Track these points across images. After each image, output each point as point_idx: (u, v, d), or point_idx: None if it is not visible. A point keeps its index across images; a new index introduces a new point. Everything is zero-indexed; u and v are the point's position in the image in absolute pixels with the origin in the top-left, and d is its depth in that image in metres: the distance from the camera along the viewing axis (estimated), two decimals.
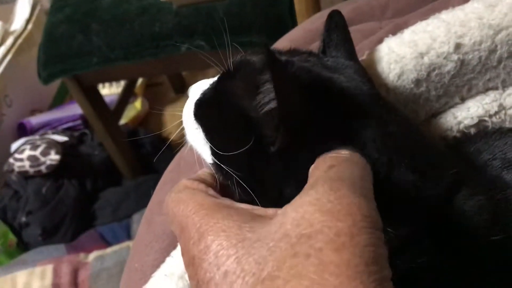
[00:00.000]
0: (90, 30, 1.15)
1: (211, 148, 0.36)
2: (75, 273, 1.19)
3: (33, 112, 1.75)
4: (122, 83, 1.69)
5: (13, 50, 1.69)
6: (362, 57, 0.48)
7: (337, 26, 0.44)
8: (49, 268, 1.19)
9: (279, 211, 0.28)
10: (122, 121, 1.68)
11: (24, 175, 1.44)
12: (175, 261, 0.43)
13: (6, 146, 1.54)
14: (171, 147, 0.53)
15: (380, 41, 0.48)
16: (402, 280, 0.30)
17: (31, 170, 1.42)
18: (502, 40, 0.44)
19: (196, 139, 0.38)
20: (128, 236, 1.36)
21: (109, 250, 1.26)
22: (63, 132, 1.59)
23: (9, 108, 1.66)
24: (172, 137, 0.44)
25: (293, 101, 0.32)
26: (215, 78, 0.39)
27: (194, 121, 0.38)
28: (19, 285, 1.15)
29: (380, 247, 0.25)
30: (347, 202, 0.26)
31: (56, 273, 1.18)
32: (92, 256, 1.24)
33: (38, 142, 1.45)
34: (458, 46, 0.44)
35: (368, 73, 0.43)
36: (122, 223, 1.40)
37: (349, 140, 0.33)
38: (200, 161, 0.39)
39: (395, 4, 0.60)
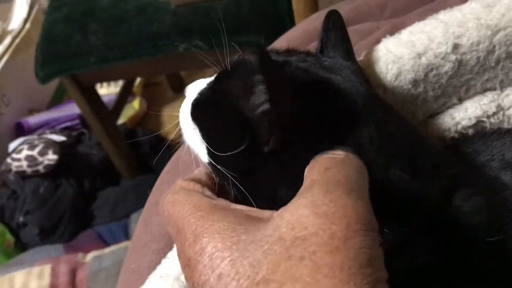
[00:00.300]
0: (88, 29, 1.15)
1: (207, 148, 0.36)
2: (73, 273, 1.19)
3: (31, 111, 1.75)
4: (120, 82, 1.69)
5: (11, 49, 1.68)
6: (359, 57, 0.47)
7: (335, 26, 0.44)
8: (47, 268, 1.19)
9: (275, 213, 0.28)
10: (120, 120, 1.68)
11: (22, 175, 1.43)
12: (171, 262, 0.42)
13: (4, 146, 1.54)
14: (169, 147, 0.53)
15: (378, 41, 0.48)
16: (400, 281, 0.30)
17: (29, 170, 1.41)
18: (500, 41, 0.44)
19: (193, 139, 0.38)
20: (126, 236, 1.36)
21: (107, 250, 1.26)
22: (61, 131, 1.58)
23: (7, 108, 1.66)
24: (171, 137, 0.44)
25: (287, 102, 0.32)
26: (212, 78, 0.38)
27: (191, 121, 0.38)
28: (17, 285, 1.15)
29: (375, 249, 0.25)
30: (342, 205, 0.26)
31: (54, 273, 1.18)
32: (90, 256, 1.23)
33: (36, 142, 1.45)
34: (456, 47, 0.44)
35: (365, 73, 0.42)
36: (120, 223, 1.40)
37: (345, 141, 0.33)
38: (197, 161, 0.39)
39: (394, 4, 0.60)
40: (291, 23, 1.03)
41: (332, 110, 0.34)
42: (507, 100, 0.47)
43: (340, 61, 0.40)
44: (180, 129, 0.40)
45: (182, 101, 0.41)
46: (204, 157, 0.37)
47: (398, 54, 0.45)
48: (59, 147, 1.47)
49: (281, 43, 0.61)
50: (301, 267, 0.24)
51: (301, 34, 0.60)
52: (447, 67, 0.45)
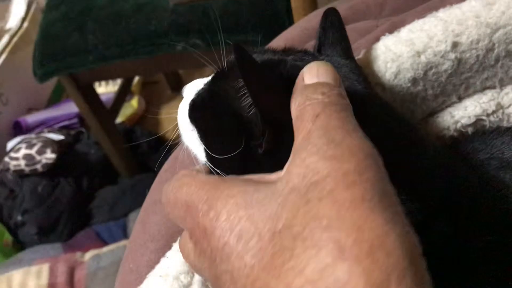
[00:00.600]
0: (86, 28, 1.15)
1: (205, 150, 0.36)
2: (71, 272, 1.19)
3: (29, 110, 1.75)
4: (119, 81, 1.68)
5: (8, 48, 1.68)
6: (358, 56, 0.47)
7: (332, 24, 0.44)
8: (45, 267, 1.18)
9: (281, 172, 0.28)
10: (119, 119, 1.68)
11: (20, 174, 1.43)
12: (170, 262, 0.42)
13: (2, 144, 1.54)
14: (168, 146, 0.53)
15: (377, 39, 0.48)
16: None
17: (27, 169, 1.41)
18: (499, 39, 0.44)
19: (191, 140, 0.38)
20: (125, 235, 1.35)
21: (105, 249, 1.26)
22: (59, 130, 1.58)
23: (5, 107, 1.65)
24: (172, 137, 0.44)
25: (276, 104, 0.31)
26: (210, 78, 0.38)
27: (189, 123, 0.38)
28: (15, 284, 1.15)
29: (388, 183, 0.25)
30: (347, 145, 0.26)
31: (52, 272, 1.18)
32: (89, 255, 1.23)
33: (34, 141, 1.45)
34: (455, 45, 0.44)
35: (364, 72, 0.42)
36: (119, 222, 1.40)
37: None
38: (195, 160, 0.39)
39: (392, 2, 0.60)
40: (289, 21, 1.03)
41: None
42: (507, 99, 0.47)
43: (338, 60, 0.40)
44: (178, 130, 0.40)
45: (180, 100, 0.41)
46: (203, 158, 0.37)
47: (397, 52, 0.45)
48: (57, 146, 1.46)
49: (279, 41, 0.60)
50: (322, 206, 0.23)
51: (300, 32, 0.60)
52: (447, 65, 0.45)
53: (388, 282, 0.21)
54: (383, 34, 0.48)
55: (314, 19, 0.62)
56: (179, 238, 0.45)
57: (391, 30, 0.48)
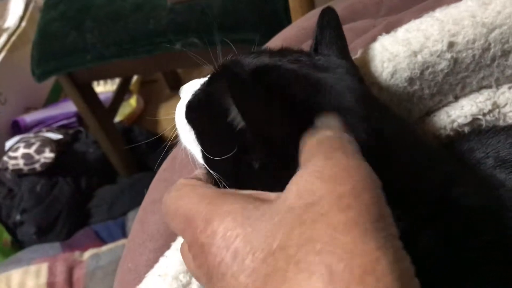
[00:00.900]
0: (84, 27, 1.14)
1: (201, 151, 0.36)
2: (70, 272, 1.19)
3: (27, 109, 1.75)
4: (117, 80, 1.68)
5: (6, 47, 1.68)
6: (355, 55, 0.47)
7: (329, 23, 0.44)
8: (44, 267, 1.19)
9: (281, 193, 0.28)
10: (117, 118, 1.68)
11: (18, 173, 1.43)
12: (169, 261, 0.42)
13: (0, 144, 1.54)
14: (166, 145, 0.53)
15: (374, 39, 0.48)
16: None
17: (25, 168, 1.41)
18: (495, 39, 0.44)
19: (189, 140, 0.38)
20: (124, 234, 1.36)
21: (104, 248, 1.26)
22: (58, 130, 1.58)
23: (3, 106, 1.65)
24: (170, 137, 0.44)
25: (266, 121, 0.31)
26: (206, 78, 0.38)
27: (186, 124, 0.38)
28: (13, 284, 1.15)
29: (383, 205, 0.26)
30: (345, 167, 0.26)
31: (51, 272, 1.18)
32: (87, 254, 1.23)
33: (32, 140, 1.45)
34: (451, 45, 0.44)
35: (360, 71, 0.42)
36: (117, 221, 1.40)
37: None
38: (194, 161, 0.39)
39: (389, 2, 0.60)
40: (288, 20, 1.03)
41: (322, 106, 0.33)
42: (503, 98, 0.47)
43: (334, 60, 0.40)
44: (176, 130, 0.40)
45: (179, 99, 0.41)
46: (200, 159, 0.37)
47: (394, 52, 0.45)
48: (56, 145, 1.46)
49: (277, 41, 0.61)
50: (317, 228, 0.24)
51: (297, 32, 0.60)
52: (443, 65, 0.45)
53: None
54: (380, 34, 0.48)
55: (311, 18, 0.62)
56: (178, 237, 0.46)
57: (388, 29, 0.48)
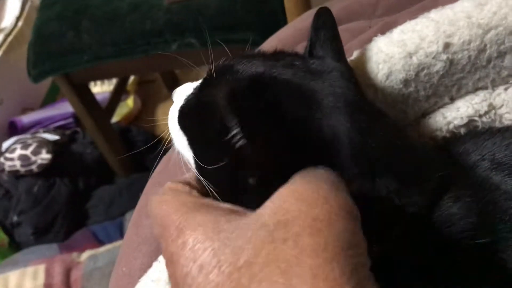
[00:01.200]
0: (81, 27, 1.14)
1: (193, 158, 0.36)
2: (67, 273, 1.19)
3: (24, 110, 1.74)
4: (114, 80, 1.68)
5: (3, 47, 1.67)
6: (350, 57, 0.47)
7: (324, 24, 0.43)
8: (41, 268, 1.18)
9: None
10: (114, 119, 1.67)
11: (15, 175, 1.43)
12: (162, 266, 0.42)
13: None
14: (164, 145, 0.53)
15: (369, 40, 0.48)
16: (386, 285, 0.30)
17: (22, 170, 1.41)
18: (491, 40, 0.44)
19: (181, 145, 0.37)
20: (121, 234, 1.35)
21: (102, 249, 1.25)
22: (55, 130, 1.57)
23: (0, 107, 1.65)
24: (165, 140, 0.44)
25: (267, 141, 0.31)
26: (199, 83, 0.38)
27: (179, 129, 0.37)
28: (11, 285, 1.15)
29: (357, 234, 0.26)
30: (324, 193, 0.26)
31: (48, 273, 1.17)
32: (85, 255, 1.23)
33: (29, 141, 1.44)
34: (447, 46, 0.44)
35: (355, 74, 0.42)
36: (115, 222, 1.40)
37: (331, 155, 0.33)
38: (187, 166, 0.39)
39: (386, 2, 0.60)
40: (285, 20, 1.02)
41: (317, 132, 0.33)
42: (499, 99, 0.47)
43: (329, 62, 0.39)
44: (169, 134, 0.40)
45: None
46: (193, 165, 0.37)
47: (389, 53, 0.45)
48: (53, 146, 1.46)
49: (272, 42, 0.60)
50: (285, 248, 0.24)
51: (293, 32, 0.60)
52: (438, 66, 0.45)
53: None
54: (375, 35, 0.48)
55: (307, 19, 0.62)
56: None
57: (384, 31, 0.48)
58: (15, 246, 1.39)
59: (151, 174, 0.55)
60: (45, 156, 1.42)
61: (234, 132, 0.31)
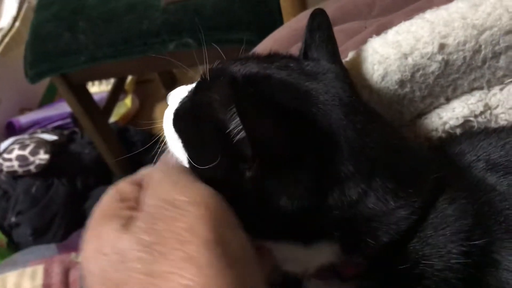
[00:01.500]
0: (78, 28, 1.14)
1: (188, 159, 0.36)
2: (66, 273, 1.18)
3: (22, 110, 1.74)
4: (112, 80, 1.68)
5: (0, 48, 1.67)
6: (346, 58, 0.47)
7: (320, 26, 0.43)
8: (40, 268, 1.18)
9: None
10: (112, 118, 1.67)
11: (13, 175, 1.42)
12: None
13: None
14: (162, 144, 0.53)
15: (364, 41, 0.48)
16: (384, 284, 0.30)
17: (20, 170, 1.41)
18: (486, 40, 0.44)
19: (176, 147, 0.38)
20: None
21: None
22: (53, 131, 1.57)
23: None
24: (161, 142, 0.44)
25: (265, 132, 0.31)
26: (194, 85, 0.38)
27: (173, 132, 0.38)
28: (9, 285, 1.14)
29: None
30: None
31: (47, 273, 1.17)
32: None
33: (27, 142, 1.44)
34: (442, 47, 0.44)
35: (350, 75, 0.42)
36: None
37: (326, 155, 0.33)
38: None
39: (381, 2, 0.60)
40: (281, 20, 1.02)
41: (312, 130, 0.33)
42: (494, 99, 0.47)
43: (323, 64, 0.39)
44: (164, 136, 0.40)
45: None
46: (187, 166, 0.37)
47: (384, 54, 0.45)
48: (51, 147, 1.46)
49: (267, 43, 0.60)
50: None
51: (289, 33, 0.60)
52: (434, 67, 0.45)
53: None
54: (371, 36, 0.48)
55: (303, 19, 0.62)
56: None
57: (379, 31, 0.48)
58: (14, 246, 1.39)
59: None
60: (43, 156, 1.41)
61: (233, 125, 0.31)
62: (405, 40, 0.45)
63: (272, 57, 0.39)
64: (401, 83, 0.45)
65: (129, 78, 1.83)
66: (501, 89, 0.47)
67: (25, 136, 1.53)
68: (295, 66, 0.37)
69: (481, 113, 0.47)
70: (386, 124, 0.38)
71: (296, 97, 0.34)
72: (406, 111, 0.47)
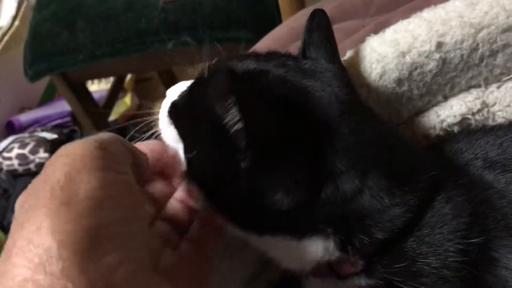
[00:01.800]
0: (76, 27, 1.14)
1: (184, 149, 0.37)
2: None
3: (21, 109, 1.74)
4: (111, 79, 1.68)
5: (0, 47, 1.67)
6: (344, 56, 0.47)
7: (319, 26, 0.43)
8: None
9: None
10: (112, 117, 1.67)
11: (13, 174, 1.43)
12: None
13: None
14: None
15: (363, 40, 0.48)
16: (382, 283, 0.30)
17: (20, 169, 1.41)
18: (483, 39, 0.44)
19: (172, 137, 0.38)
20: None
21: None
22: (52, 129, 1.57)
23: None
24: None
25: (262, 123, 0.31)
26: (193, 81, 0.39)
27: (168, 119, 0.38)
28: None
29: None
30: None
31: None
32: None
33: (27, 140, 1.44)
34: (439, 45, 0.44)
35: (348, 74, 0.42)
36: None
37: (322, 153, 0.33)
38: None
39: (379, 1, 0.60)
40: (280, 19, 1.03)
41: (308, 124, 0.33)
42: (492, 97, 0.47)
43: (322, 63, 0.39)
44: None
45: None
46: (182, 156, 0.37)
47: (382, 53, 0.45)
48: (50, 145, 1.46)
49: (266, 41, 0.60)
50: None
51: (287, 32, 0.60)
52: (431, 65, 0.45)
53: None
54: (369, 35, 0.48)
55: (301, 18, 0.62)
56: None
57: (377, 30, 0.48)
58: None
59: None
60: (43, 155, 1.42)
61: (229, 117, 0.31)
62: (403, 39, 0.45)
63: (270, 55, 0.39)
64: (399, 81, 0.45)
65: (129, 76, 1.82)
66: (498, 87, 0.47)
67: (25, 135, 1.53)
68: (293, 64, 0.38)
69: (479, 110, 0.47)
70: (382, 123, 0.39)
71: (293, 93, 0.35)
72: (404, 109, 0.47)
